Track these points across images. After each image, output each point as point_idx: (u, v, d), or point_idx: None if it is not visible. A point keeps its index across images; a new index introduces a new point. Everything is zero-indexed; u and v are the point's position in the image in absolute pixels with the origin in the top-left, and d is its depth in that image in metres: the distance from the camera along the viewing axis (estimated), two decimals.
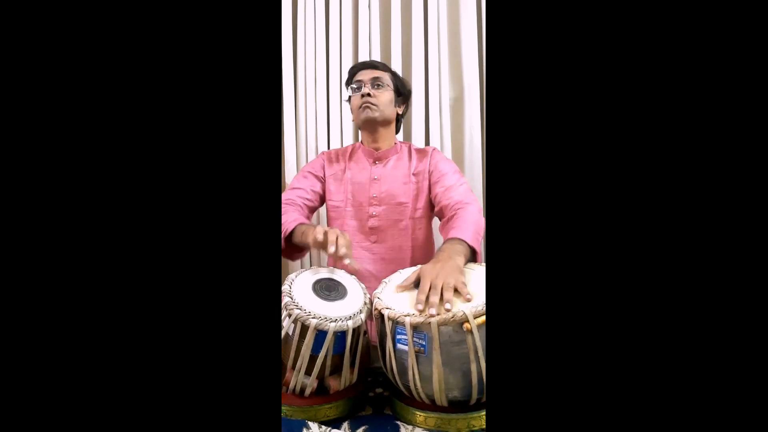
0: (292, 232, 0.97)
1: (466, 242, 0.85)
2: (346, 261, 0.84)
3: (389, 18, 1.50)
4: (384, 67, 1.18)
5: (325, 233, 0.85)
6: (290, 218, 1.01)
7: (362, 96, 1.10)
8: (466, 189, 1.05)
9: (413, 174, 1.11)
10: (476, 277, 0.76)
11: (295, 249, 1.02)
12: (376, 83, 1.11)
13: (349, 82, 1.17)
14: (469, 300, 0.68)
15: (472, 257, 0.87)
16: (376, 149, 1.14)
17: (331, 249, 0.82)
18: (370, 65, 1.17)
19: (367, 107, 1.09)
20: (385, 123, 1.13)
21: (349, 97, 1.17)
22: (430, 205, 1.10)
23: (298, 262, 1.50)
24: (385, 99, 1.11)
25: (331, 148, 1.55)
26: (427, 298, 0.69)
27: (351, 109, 1.17)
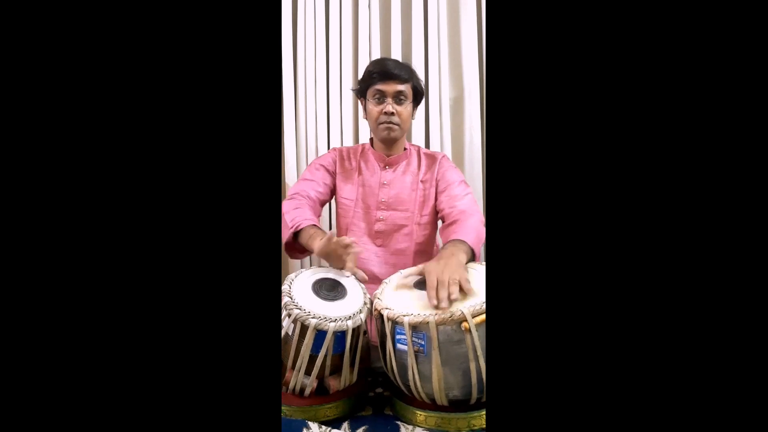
0: (300, 231, 0.96)
1: (467, 243, 0.87)
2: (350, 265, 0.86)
3: (389, 18, 1.50)
4: (407, 73, 1.09)
5: (333, 240, 0.85)
6: (304, 216, 0.99)
7: (385, 113, 1.07)
8: (470, 200, 1.06)
9: (421, 181, 1.12)
10: (477, 276, 0.76)
11: (298, 248, 1.01)
12: (399, 99, 1.08)
13: (367, 84, 1.10)
14: (470, 291, 0.71)
15: (472, 258, 0.87)
16: (388, 155, 1.15)
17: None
18: (395, 77, 1.07)
19: (389, 127, 1.08)
20: (403, 136, 1.14)
21: (359, 92, 1.14)
22: (435, 211, 1.11)
23: (298, 262, 1.50)
24: (406, 115, 1.10)
25: (331, 148, 1.55)
26: (438, 294, 0.70)
27: (366, 115, 1.14)
